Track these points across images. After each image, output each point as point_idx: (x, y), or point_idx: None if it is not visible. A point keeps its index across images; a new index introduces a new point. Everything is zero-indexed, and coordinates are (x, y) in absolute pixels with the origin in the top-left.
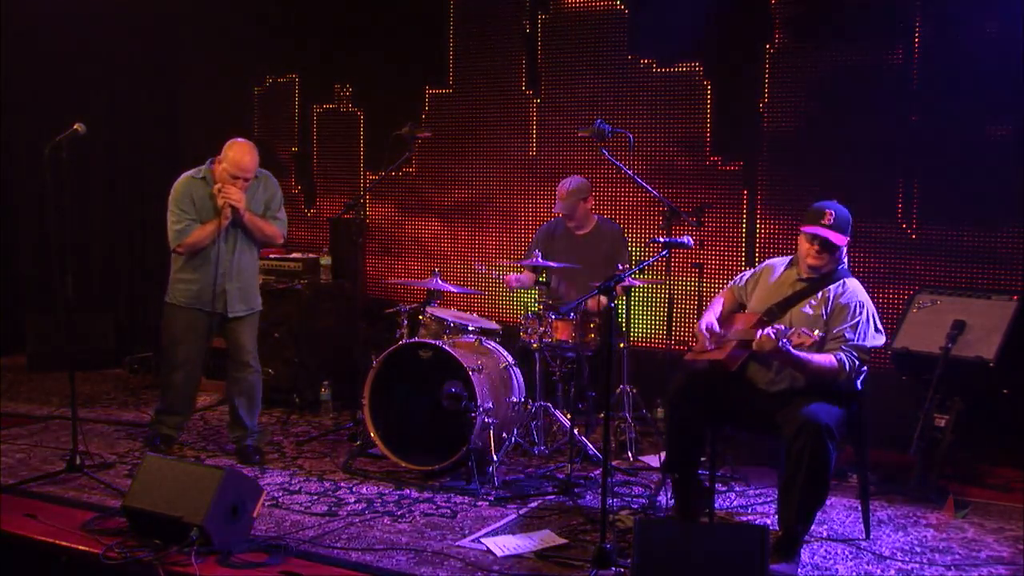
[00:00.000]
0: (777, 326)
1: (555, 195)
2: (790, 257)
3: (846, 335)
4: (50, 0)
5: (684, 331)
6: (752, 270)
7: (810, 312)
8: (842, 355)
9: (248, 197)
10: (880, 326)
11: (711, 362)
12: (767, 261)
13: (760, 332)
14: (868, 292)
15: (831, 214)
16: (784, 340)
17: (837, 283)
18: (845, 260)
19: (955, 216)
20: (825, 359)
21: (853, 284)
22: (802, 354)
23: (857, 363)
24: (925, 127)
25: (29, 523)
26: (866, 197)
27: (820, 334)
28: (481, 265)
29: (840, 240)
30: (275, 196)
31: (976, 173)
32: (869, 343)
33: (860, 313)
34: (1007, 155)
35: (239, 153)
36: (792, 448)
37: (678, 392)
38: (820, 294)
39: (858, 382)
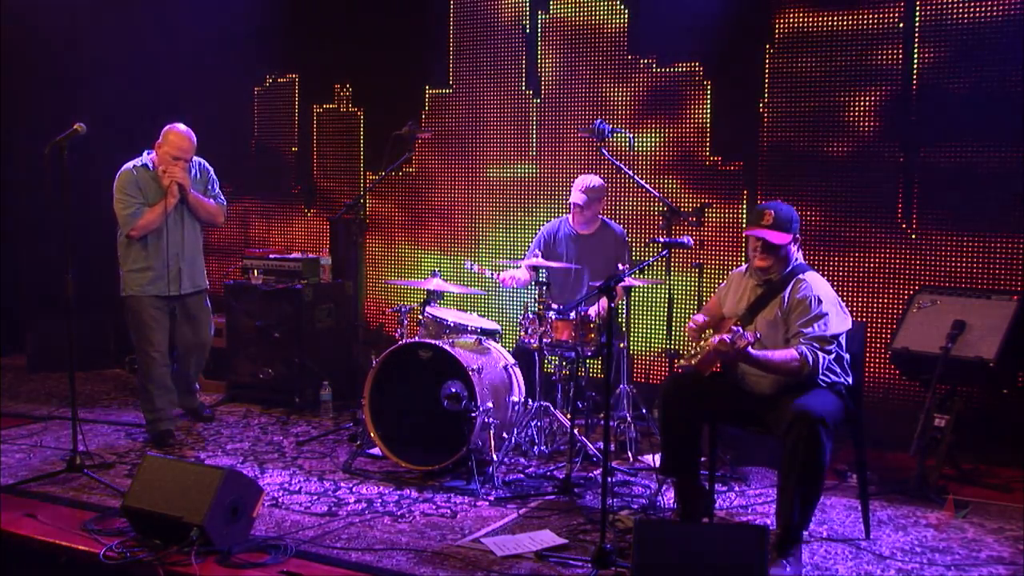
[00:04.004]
0: (735, 328)
1: (572, 187)
2: (747, 264)
3: (803, 330)
4: (49, 0)
5: (684, 331)
6: (726, 280)
7: (771, 317)
8: (803, 348)
9: (188, 178)
10: (843, 311)
11: (693, 367)
12: (733, 271)
13: (714, 338)
14: (868, 292)
15: (771, 214)
16: (733, 342)
17: (792, 282)
18: (798, 256)
19: (955, 216)
20: (786, 355)
21: (809, 279)
22: (758, 353)
23: (820, 354)
24: (925, 127)
25: (29, 523)
26: (866, 197)
27: (757, 334)
28: (472, 264)
29: (778, 239)
30: (211, 179)
31: (976, 173)
32: (831, 331)
33: (817, 307)
34: (1007, 155)
35: (177, 137)
36: (786, 442)
37: (666, 395)
38: (778, 297)
39: (846, 375)
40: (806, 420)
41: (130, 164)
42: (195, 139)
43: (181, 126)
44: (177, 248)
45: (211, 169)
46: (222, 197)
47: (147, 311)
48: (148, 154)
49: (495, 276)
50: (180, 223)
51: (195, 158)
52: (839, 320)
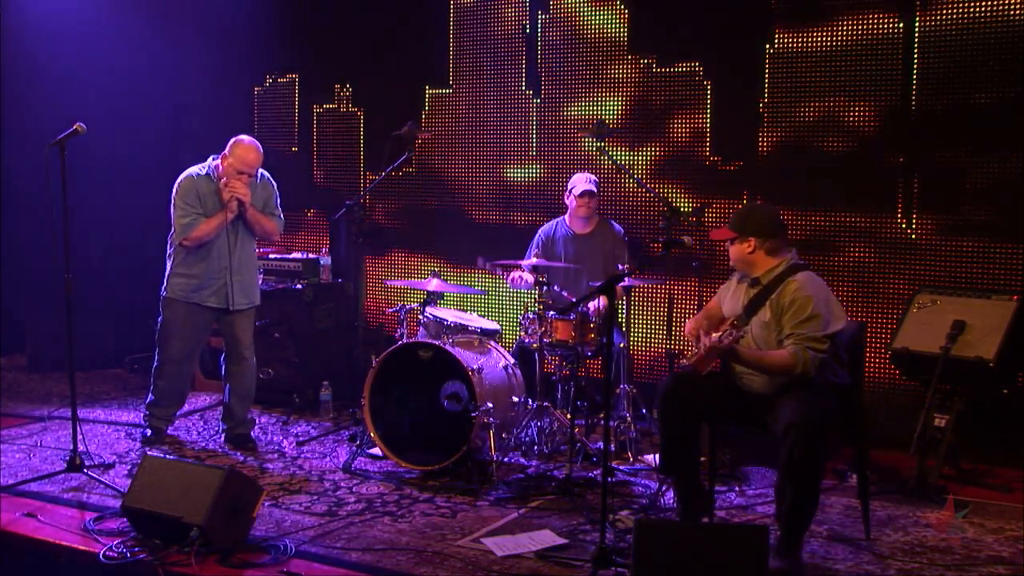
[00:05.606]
0: (723, 329)
1: (573, 183)
2: None
3: (796, 330)
4: (50, 1)
5: (683, 334)
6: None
7: (765, 318)
8: (795, 348)
9: (250, 193)
10: (836, 311)
11: (691, 366)
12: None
13: (707, 336)
14: (868, 292)
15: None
16: (720, 338)
17: (784, 282)
18: (791, 254)
19: (955, 216)
20: (777, 355)
21: (801, 279)
22: (751, 353)
23: (813, 354)
24: (926, 126)
25: (29, 523)
26: (866, 197)
27: (745, 330)
28: (485, 263)
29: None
30: (273, 194)
31: (977, 173)
32: (824, 331)
33: (808, 307)
34: (1008, 154)
35: (245, 150)
36: (782, 447)
37: (664, 395)
38: (771, 298)
39: (843, 374)
40: (801, 427)
41: (192, 170)
42: (261, 153)
43: (249, 138)
44: (227, 262)
45: (275, 184)
46: (280, 213)
47: (178, 318)
48: (213, 159)
49: (504, 275)
50: (235, 237)
51: (261, 171)
52: (831, 319)
